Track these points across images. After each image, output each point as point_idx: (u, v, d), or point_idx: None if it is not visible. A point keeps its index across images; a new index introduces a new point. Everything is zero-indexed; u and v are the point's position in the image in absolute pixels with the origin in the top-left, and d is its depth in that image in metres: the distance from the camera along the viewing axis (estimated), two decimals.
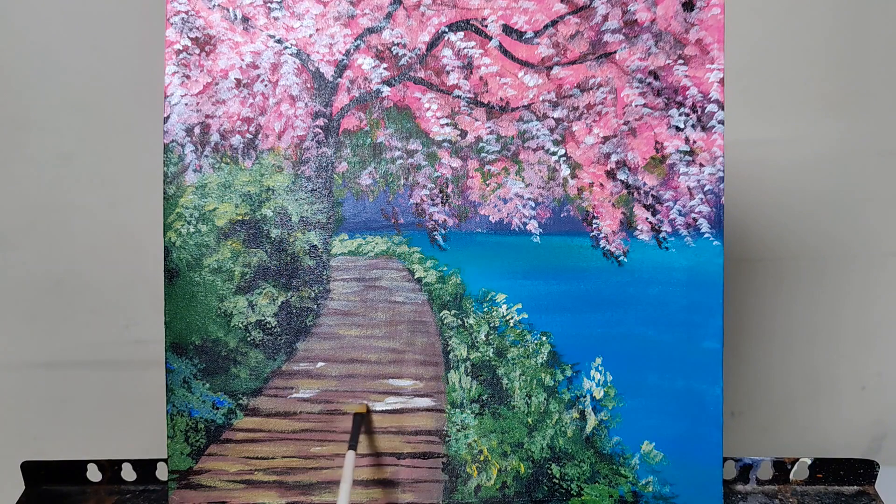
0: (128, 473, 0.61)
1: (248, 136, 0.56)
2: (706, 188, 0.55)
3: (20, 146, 0.82)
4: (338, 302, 0.57)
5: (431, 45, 0.56)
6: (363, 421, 0.55)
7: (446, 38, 0.56)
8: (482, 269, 0.56)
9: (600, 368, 0.56)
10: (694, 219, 0.55)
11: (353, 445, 0.53)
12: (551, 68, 0.55)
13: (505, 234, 0.56)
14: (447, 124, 0.56)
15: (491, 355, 0.56)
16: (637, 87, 0.55)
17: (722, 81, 0.55)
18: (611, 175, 0.56)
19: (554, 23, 0.55)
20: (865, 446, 0.89)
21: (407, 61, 0.56)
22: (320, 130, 0.56)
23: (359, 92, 0.56)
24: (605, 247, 0.56)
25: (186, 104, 0.56)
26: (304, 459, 0.56)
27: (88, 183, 0.83)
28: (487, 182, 0.56)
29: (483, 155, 0.56)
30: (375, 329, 0.57)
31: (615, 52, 0.55)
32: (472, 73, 0.56)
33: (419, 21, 0.56)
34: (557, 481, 0.56)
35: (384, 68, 0.56)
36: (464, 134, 0.56)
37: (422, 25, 0.56)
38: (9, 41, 0.80)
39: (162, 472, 0.61)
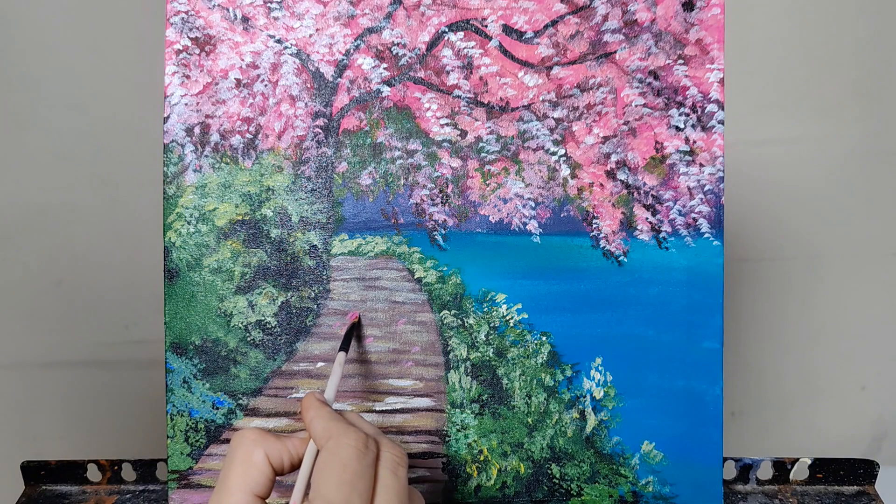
0: (128, 473, 0.61)
1: (248, 136, 0.56)
2: (706, 188, 0.55)
3: (20, 146, 0.82)
4: (338, 302, 0.57)
5: (431, 45, 0.56)
6: (355, 328, 0.55)
7: (446, 38, 0.56)
8: (482, 269, 0.56)
9: (600, 368, 0.56)
10: (694, 219, 0.55)
11: (344, 348, 0.52)
12: (551, 68, 0.55)
13: (505, 234, 0.56)
14: (447, 124, 0.56)
15: (491, 355, 0.56)
16: (637, 87, 0.55)
17: (722, 81, 0.55)
18: (611, 175, 0.56)
19: (554, 23, 0.55)
20: (865, 446, 0.89)
21: (407, 61, 0.56)
22: (320, 130, 0.56)
23: (359, 92, 0.56)
24: (605, 247, 0.56)
25: (186, 104, 0.56)
26: None
27: (88, 183, 0.83)
28: (487, 182, 0.56)
29: (483, 155, 0.56)
30: (375, 329, 0.57)
31: (615, 52, 0.55)
32: (472, 73, 0.56)
33: (419, 21, 0.56)
34: (557, 481, 0.56)
35: (384, 68, 0.56)
36: (464, 134, 0.56)
37: (422, 25, 0.56)
38: (9, 41, 0.80)
39: (162, 472, 0.61)
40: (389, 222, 0.56)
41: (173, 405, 0.56)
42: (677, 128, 0.55)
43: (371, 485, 0.41)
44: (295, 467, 0.44)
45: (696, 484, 0.56)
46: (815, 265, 0.85)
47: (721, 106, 0.55)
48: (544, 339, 0.56)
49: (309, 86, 0.56)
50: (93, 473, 0.61)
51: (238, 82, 0.56)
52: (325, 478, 0.40)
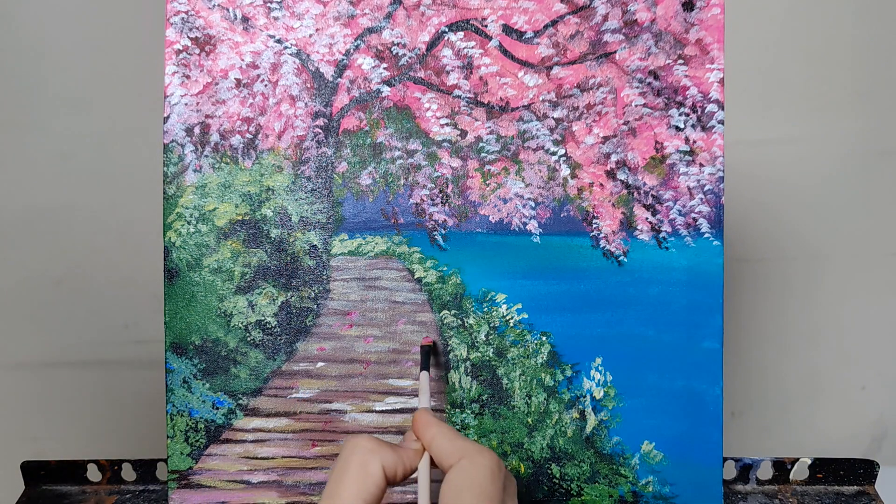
0: (128, 473, 0.61)
1: (248, 136, 0.56)
2: (706, 188, 0.55)
3: (20, 146, 0.82)
4: (338, 302, 0.57)
5: (431, 45, 0.56)
6: (431, 351, 0.55)
7: (446, 38, 0.56)
8: (482, 269, 0.56)
9: (600, 368, 0.56)
10: (694, 219, 0.55)
11: (425, 367, 0.53)
12: (551, 68, 0.55)
13: (505, 234, 0.56)
14: (447, 124, 0.56)
15: (491, 355, 0.56)
16: (637, 87, 0.55)
17: (722, 81, 0.55)
18: (611, 175, 0.56)
19: (554, 23, 0.55)
20: (865, 446, 0.89)
21: (407, 61, 0.56)
22: (320, 130, 0.56)
23: (359, 92, 0.56)
24: (605, 247, 0.56)
25: (186, 104, 0.56)
26: (304, 459, 0.56)
27: (88, 183, 0.83)
28: (487, 182, 0.56)
29: (483, 155, 0.56)
30: (375, 329, 0.57)
31: (615, 52, 0.55)
32: (472, 73, 0.56)
33: (419, 21, 0.56)
34: (557, 481, 0.56)
35: (384, 68, 0.56)
36: (464, 134, 0.56)
37: (422, 25, 0.56)
38: (9, 41, 0.80)
39: (162, 472, 0.61)
40: (389, 222, 0.56)
41: (173, 405, 0.56)
42: (677, 128, 0.55)
43: None
44: (406, 478, 0.44)
45: (696, 484, 0.56)
46: (815, 265, 0.85)
47: (721, 106, 0.55)
48: (544, 339, 0.56)
49: (309, 86, 0.56)
50: (93, 473, 0.61)
51: (238, 82, 0.56)
52: (461, 497, 0.41)
